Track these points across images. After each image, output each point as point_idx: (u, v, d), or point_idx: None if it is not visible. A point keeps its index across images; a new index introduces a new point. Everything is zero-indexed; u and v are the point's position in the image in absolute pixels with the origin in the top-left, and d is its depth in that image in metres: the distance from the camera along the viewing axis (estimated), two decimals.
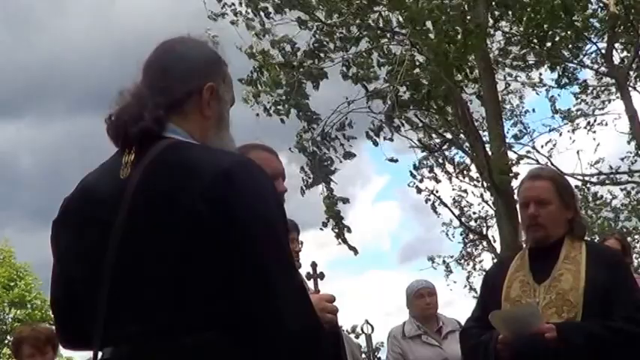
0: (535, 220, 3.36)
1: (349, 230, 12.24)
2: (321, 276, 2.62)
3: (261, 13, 12.11)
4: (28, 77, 46.15)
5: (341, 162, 12.46)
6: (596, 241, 9.43)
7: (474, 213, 18.30)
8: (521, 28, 12.94)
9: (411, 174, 14.06)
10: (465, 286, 18.99)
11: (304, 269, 2.78)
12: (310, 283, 2.75)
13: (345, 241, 12.29)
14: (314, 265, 2.66)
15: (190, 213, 1.77)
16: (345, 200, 12.41)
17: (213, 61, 2.06)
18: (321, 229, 12.24)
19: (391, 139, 13.07)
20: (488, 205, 17.15)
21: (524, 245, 3.63)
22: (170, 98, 1.95)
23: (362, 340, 12.85)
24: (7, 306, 30.58)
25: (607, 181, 17.18)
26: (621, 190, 18.13)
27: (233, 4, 12.30)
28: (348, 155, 12.55)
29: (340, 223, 12.20)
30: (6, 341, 27.52)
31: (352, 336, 14.18)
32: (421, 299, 5.80)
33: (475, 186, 17.03)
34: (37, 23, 48.35)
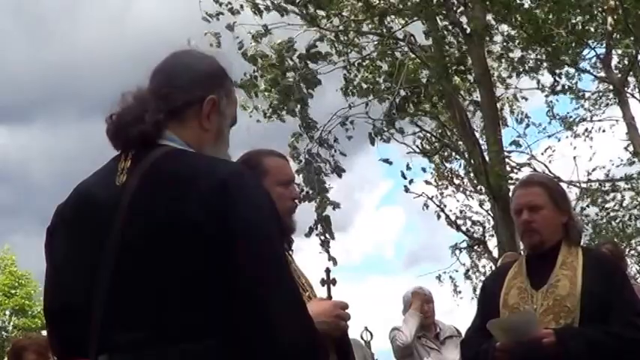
0: (529, 225, 3.37)
1: (333, 237, 11.55)
2: (334, 282, 2.63)
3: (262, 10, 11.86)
4: (41, 84, 46.31)
5: (327, 176, 11.87)
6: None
7: (476, 222, 18.17)
8: (522, 30, 12.86)
9: (402, 175, 13.82)
10: (473, 298, 18.67)
11: (318, 275, 2.80)
12: (324, 290, 2.78)
13: (327, 250, 11.59)
14: (327, 271, 2.68)
15: (187, 221, 1.78)
16: (336, 205, 11.73)
17: (218, 75, 2.06)
18: (306, 235, 11.42)
19: (387, 141, 13.03)
20: (487, 211, 17.07)
21: (522, 252, 3.65)
22: (171, 105, 1.96)
23: None
24: (8, 314, 30.40)
25: (603, 189, 17.14)
26: (621, 196, 18.02)
27: (230, 2, 12.01)
28: (338, 170, 11.95)
29: (328, 228, 11.56)
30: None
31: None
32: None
33: (474, 192, 17.00)
34: (49, 30, 48.46)
